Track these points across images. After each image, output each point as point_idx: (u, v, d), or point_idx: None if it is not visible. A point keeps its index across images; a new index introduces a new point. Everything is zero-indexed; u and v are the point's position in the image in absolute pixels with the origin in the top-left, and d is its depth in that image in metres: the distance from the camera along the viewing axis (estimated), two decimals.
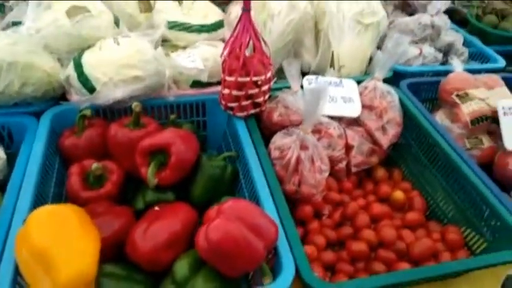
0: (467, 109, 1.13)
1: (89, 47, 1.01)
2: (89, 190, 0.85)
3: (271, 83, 1.02)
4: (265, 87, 0.99)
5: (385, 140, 1.06)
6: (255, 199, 0.84)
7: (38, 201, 0.81)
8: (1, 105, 0.99)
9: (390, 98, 1.09)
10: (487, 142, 1.16)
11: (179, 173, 0.85)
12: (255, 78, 0.96)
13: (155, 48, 1.07)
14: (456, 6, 1.97)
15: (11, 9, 1.20)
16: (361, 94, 1.11)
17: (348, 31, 1.28)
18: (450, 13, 1.97)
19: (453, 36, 1.47)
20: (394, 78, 1.28)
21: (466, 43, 1.58)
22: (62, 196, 0.92)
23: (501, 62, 1.43)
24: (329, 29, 1.30)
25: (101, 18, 1.04)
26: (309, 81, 1.09)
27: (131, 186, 0.92)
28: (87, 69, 0.93)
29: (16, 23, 1.09)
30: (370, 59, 1.35)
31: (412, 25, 1.39)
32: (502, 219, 0.86)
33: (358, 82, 1.16)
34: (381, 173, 1.08)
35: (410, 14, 1.47)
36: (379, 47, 1.38)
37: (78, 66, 0.94)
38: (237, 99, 0.98)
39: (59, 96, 1.04)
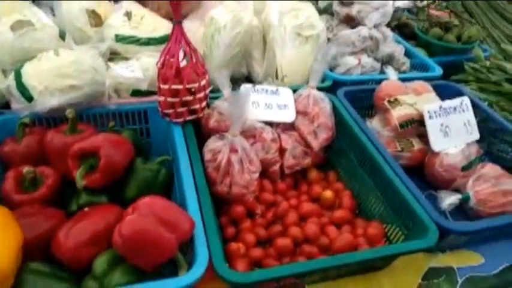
0: (397, 113, 1.20)
1: (32, 58, 1.06)
2: (23, 193, 0.89)
3: (207, 90, 1.08)
4: (200, 95, 1.05)
5: (315, 143, 1.12)
6: (183, 199, 0.89)
7: None
8: None
9: (323, 104, 1.16)
10: (417, 144, 1.23)
11: (109, 175, 0.89)
12: (188, 86, 1.01)
13: (104, 59, 1.13)
14: (406, 21, 2.09)
15: None
16: (296, 101, 1.18)
17: (289, 43, 1.37)
18: (401, 27, 2.09)
19: (393, 47, 1.56)
20: (334, 87, 1.36)
21: (410, 54, 1.67)
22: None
23: (438, 71, 1.53)
24: (273, 41, 1.39)
25: (45, 32, 1.10)
26: (246, 89, 1.15)
27: (69, 191, 0.96)
28: (25, 78, 0.98)
29: None
30: None
31: (353, 37, 1.48)
32: (416, 215, 0.92)
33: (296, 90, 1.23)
34: (313, 174, 1.14)
35: (354, 27, 1.56)
36: None
37: (18, 76, 0.99)
38: (172, 106, 1.03)
39: (3, 105, 1.08)
